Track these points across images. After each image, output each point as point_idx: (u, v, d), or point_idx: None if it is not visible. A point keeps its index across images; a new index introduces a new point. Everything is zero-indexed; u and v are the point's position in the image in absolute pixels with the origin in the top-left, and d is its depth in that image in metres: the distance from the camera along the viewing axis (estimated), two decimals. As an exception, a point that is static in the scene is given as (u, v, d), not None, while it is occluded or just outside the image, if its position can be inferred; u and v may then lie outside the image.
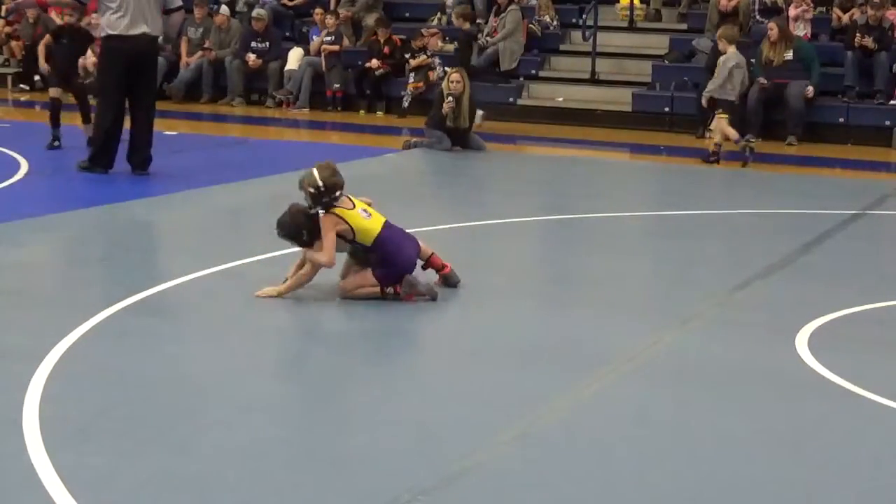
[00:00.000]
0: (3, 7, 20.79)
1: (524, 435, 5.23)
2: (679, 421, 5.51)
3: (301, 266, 7.40)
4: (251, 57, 18.59)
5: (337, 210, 7.31)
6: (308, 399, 5.82)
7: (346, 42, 18.60)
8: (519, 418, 5.41)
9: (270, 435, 5.16)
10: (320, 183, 7.25)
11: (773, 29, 15.99)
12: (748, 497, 4.68)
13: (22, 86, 19.98)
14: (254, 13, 19.01)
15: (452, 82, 14.22)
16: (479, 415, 5.48)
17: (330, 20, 18.54)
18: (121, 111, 11.79)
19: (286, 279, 7.36)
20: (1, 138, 13.57)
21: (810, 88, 15.82)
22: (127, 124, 11.92)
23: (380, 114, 17.99)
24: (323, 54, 18.35)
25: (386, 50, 18.17)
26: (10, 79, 20.20)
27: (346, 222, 7.31)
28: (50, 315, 6.82)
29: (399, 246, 7.43)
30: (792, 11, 16.89)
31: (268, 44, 18.76)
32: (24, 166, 12.19)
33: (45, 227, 9.30)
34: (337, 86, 18.27)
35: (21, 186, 11.25)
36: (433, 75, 17.67)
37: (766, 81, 15.78)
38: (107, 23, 11.44)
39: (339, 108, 18.31)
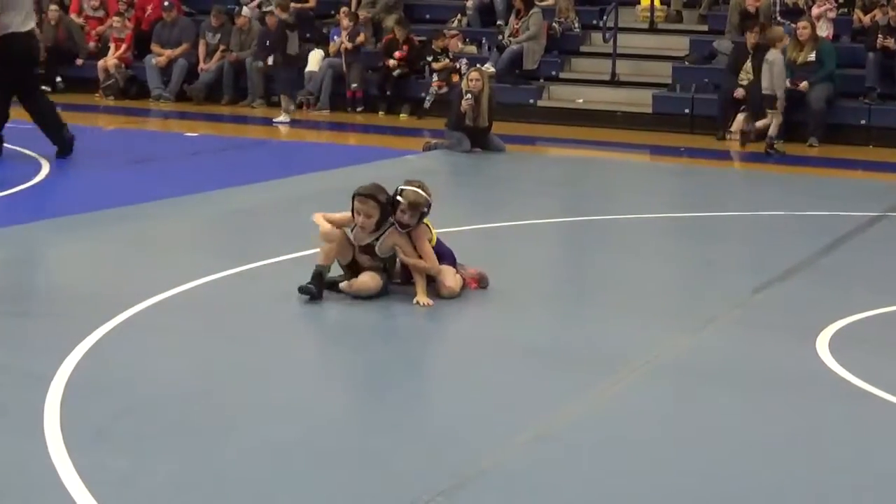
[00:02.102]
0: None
1: (542, 436, 5.23)
2: (697, 423, 5.50)
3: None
4: (269, 57, 18.57)
5: (426, 221, 7.50)
6: (326, 400, 5.83)
7: (361, 38, 18.48)
8: (537, 420, 5.41)
9: (289, 436, 5.17)
10: (431, 200, 7.44)
11: (805, 27, 15.90)
12: (766, 499, 4.67)
13: (44, 87, 20.01)
14: (266, 10, 19.02)
15: (471, 80, 14.22)
16: (498, 416, 5.48)
17: (346, 21, 18.52)
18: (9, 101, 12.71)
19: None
20: (23, 139, 13.61)
21: (805, 84, 15.64)
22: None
23: (404, 116, 17.98)
24: (343, 53, 18.34)
25: (404, 48, 18.14)
26: (31, 80, 20.24)
27: (431, 231, 7.58)
28: (72, 315, 6.85)
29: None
30: (815, 11, 16.83)
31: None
32: (46, 167, 12.24)
33: (66, 228, 9.33)
34: (354, 85, 18.27)
35: (43, 187, 11.29)
36: (457, 78, 17.65)
37: (791, 83, 15.70)
38: (9, 22, 11.94)
39: (356, 109, 18.28)
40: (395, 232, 7.42)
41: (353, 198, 7.37)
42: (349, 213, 7.41)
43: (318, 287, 7.26)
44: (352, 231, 7.44)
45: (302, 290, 7.21)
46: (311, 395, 5.87)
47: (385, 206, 7.35)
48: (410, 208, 7.35)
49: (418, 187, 7.41)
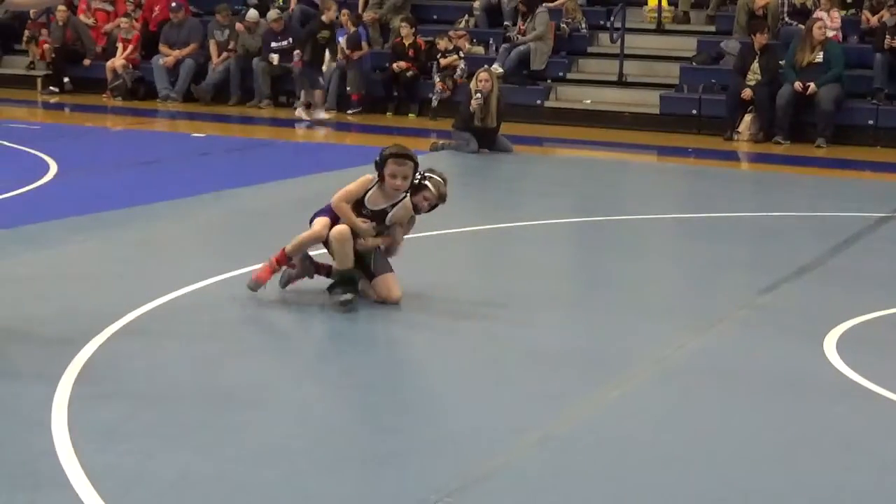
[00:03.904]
0: (31, 10, 20.89)
1: (549, 437, 5.23)
2: (704, 424, 5.49)
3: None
4: (275, 58, 18.58)
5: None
6: (334, 401, 5.83)
7: (364, 48, 18.47)
8: (544, 421, 5.41)
9: (297, 437, 5.17)
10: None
11: (820, 28, 15.87)
12: (773, 500, 4.66)
13: (52, 88, 20.09)
14: (269, 14, 19.03)
15: (481, 81, 14.23)
16: (505, 417, 5.48)
17: (350, 23, 18.51)
18: None
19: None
20: (30, 140, 13.63)
21: (797, 85, 15.62)
22: None
23: (412, 116, 18.00)
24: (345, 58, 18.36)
25: (411, 52, 18.16)
26: (39, 81, 20.30)
27: None
28: (79, 315, 6.85)
29: None
30: (818, 13, 16.81)
31: (288, 42, 18.73)
32: (53, 168, 12.25)
33: (73, 229, 9.33)
34: (349, 89, 18.27)
35: (50, 188, 11.31)
36: (461, 80, 17.61)
37: (801, 86, 15.69)
38: None
39: (345, 111, 18.23)
40: (407, 205, 7.32)
41: (388, 159, 7.14)
42: (365, 178, 7.26)
43: (356, 294, 7.16)
44: (367, 192, 7.26)
45: (345, 304, 7.04)
46: (317, 396, 5.87)
47: (415, 169, 7.27)
48: (439, 199, 7.36)
49: (442, 180, 7.40)
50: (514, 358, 6.42)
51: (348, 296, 7.08)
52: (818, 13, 16.71)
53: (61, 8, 20.19)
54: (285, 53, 18.62)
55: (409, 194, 7.30)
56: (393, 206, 7.31)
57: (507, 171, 13.47)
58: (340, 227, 7.17)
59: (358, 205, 7.26)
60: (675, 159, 15.03)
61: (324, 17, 17.90)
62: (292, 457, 4.92)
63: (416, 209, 7.39)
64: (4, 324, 6.20)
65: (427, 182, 7.33)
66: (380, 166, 7.20)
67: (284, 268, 7.39)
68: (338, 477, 4.77)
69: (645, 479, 4.82)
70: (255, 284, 7.25)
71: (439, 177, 7.43)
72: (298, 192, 11.38)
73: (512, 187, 12.58)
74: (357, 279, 7.22)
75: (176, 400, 5.58)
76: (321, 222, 7.24)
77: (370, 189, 7.26)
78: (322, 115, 17.37)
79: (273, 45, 18.72)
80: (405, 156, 7.18)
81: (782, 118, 15.92)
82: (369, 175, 7.29)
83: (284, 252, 7.26)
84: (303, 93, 17.91)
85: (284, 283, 7.39)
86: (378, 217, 7.30)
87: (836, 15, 16.77)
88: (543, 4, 18.36)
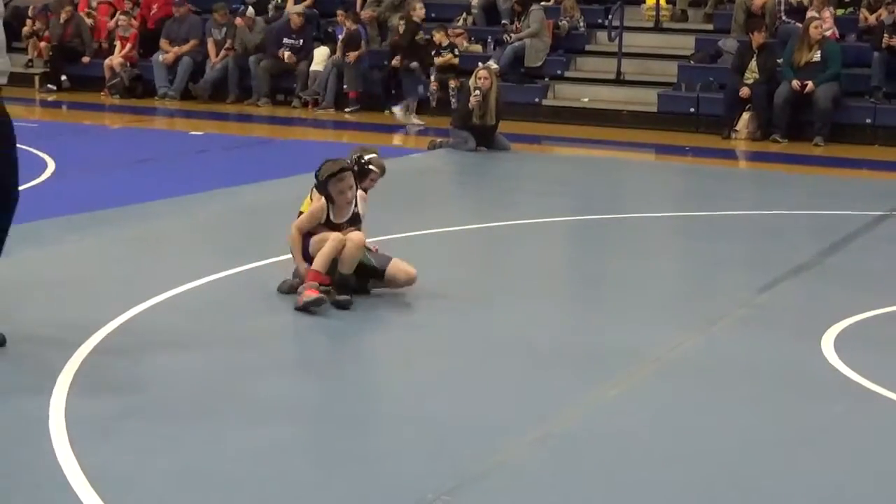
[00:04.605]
0: (30, 7, 20.87)
1: (548, 435, 5.23)
2: (703, 422, 5.50)
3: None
4: (286, 53, 18.57)
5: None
6: (332, 399, 5.83)
7: (362, 49, 18.45)
8: (543, 419, 5.41)
9: (295, 435, 5.17)
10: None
11: (816, 28, 15.87)
12: (772, 497, 4.66)
13: (49, 86, 20.07)
14: (293, 9, 19.02)
15: (480, 78, 14.22)
16: (503, 415, 5.48)
17: (348, 22, 18.51)
18: None
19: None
20: (28, 138, 13.59)
21: (795, 83, 15.64)
22: None
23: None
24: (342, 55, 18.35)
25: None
26: (37, 79, 20.28)
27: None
28: (77, 314, 6.85)
29: None
30: (810, 13, 16.79)
31: (302, 41, 18.75)
32: (51, 166, 12.25)
33: (71, 227, 9.33)
34: (346, 87, 18.26)
35: (48, 186, 11.30)
36: (454, 82, 17.57)
37: (799, 84, 15.69)
38: None
39: (344, 109, 18.22)
40: (362, 195, 7.53)
41: (326, 183, 7.24)
42: (316, 206, 7.35)
43: (351, 296, 7.25)
44: (329, 215, 7.34)
45: (342, 305, 7.12)
46: (315, 394, 5.87)
47: (354, 171, 7.42)
48: (382, 174, 7.69)
49: (375, 153, 7.71)
50: (511, 356, 6.42)
51: (346, 297, 7.18)
52: (811, 12, 16.71)
53: (67, 9, 20.18)
54: (297, 51, 18.63)
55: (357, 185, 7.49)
56: (355, 205, 7.45)
57: (505, 169, 13.46)
58: (359, 235, 7.31)
59: (330, 225, 7.36)
60: (672, 158, 15.03)
61: (415, 18, 17.95)
62: (289, 455, 4.92)
63: (365, 189, 7.62)
64: (1, 324, 6.19)
65: (370, 165, 7.60)
66: (322, 188, 7.30)
67: (285, 279, 7.48)
68: (335, 475, 4.77)
69: (643, 477, 4.82)
70: (310, 302, 7.05)
71: (371, 152, 7.70)
72: (296, 190, 11.34)
73: (509, 185, 12.57)
74: (353, 284, 7.33)
75: (173, 398, 5.58)
76: (324, 236, 7.27)
77: (329, 211, 7.36)
78: (415, 119, 17.39)
79: (286, 40, 18.72)
80: (342, 170, 7.28)
81: (780, 116, 15.92)
82: (317, 201, 7.36)
83: (315, 271, 7.18)
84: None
85: (286, 290, 7.40)
86: (353, 220, 7.44)
87: (828, 14, 16.76)
88: (540, 3, 18.35)
